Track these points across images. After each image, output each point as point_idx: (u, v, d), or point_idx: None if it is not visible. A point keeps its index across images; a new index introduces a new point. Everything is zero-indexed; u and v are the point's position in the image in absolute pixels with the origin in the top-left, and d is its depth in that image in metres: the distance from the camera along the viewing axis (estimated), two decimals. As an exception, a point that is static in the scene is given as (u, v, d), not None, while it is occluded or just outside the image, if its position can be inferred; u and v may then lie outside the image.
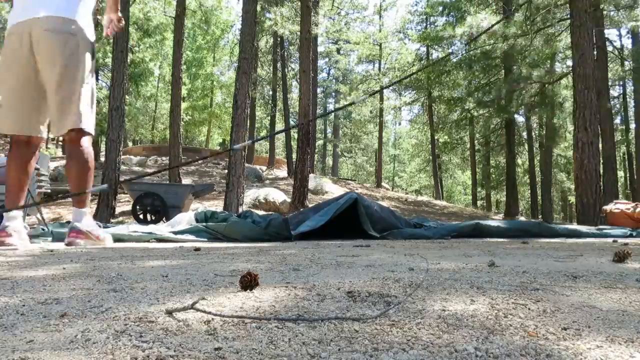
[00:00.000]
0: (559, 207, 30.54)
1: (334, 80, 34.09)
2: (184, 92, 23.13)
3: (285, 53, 23.26)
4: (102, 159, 13.16)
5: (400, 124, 44.01)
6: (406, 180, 41.86)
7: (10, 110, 2.70)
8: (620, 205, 6.17)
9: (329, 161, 38.55)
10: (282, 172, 20.77)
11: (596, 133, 8.60)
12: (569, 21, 9.98)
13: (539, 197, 19.97)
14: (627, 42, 22.33)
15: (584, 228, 4.60)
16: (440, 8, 21.67)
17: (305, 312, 0.95)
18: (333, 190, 15.27)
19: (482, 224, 4.14)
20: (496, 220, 5.88)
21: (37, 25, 2.62)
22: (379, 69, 27.13)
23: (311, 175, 14.59)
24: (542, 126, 19.74)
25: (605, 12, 13.51)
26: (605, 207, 6.53)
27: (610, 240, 3.63)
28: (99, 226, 3.08)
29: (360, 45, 26.76)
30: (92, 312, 0.95)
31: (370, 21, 30.02)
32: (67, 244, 2.83)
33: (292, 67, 24.48)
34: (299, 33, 12.92)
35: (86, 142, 2.83)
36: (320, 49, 28.08)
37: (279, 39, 22.32)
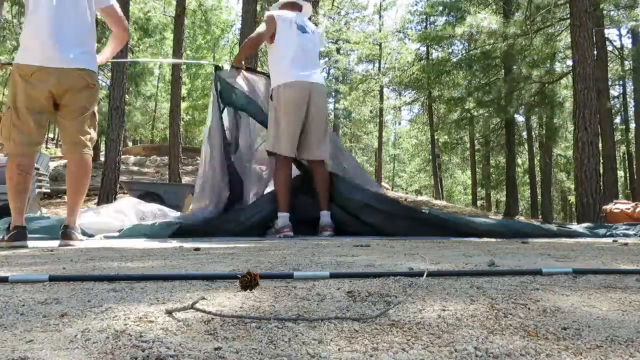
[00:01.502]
0: (559, 206, 30.54)
1: (333, 80, 34.07)
2: (183, 91, 23.12)
3: (285, 53, 23.21)
4: (102, 158, 13.17)
5: (400, 123, 43.95)
6: (406, 180, 41.85)
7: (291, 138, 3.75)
8: (620, 205, 6.17)
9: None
10: (282, 171, 20.74)
11: (596, 133, 8.59)
12: (569, 21, 9.98)
13: (539, 197, 19.97)
14: (627, 42, 22.33)
15: (574, 227, 4.59)
16: (440, 8, 21.65)
17: (305, 312, 0.95)
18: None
19: (475, 221, 3.98)
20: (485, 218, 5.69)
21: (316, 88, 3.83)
22: (379, 69, 27.11)
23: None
24: (542, 126, 19.74)
25: (605, 12, 13.50)
26: (605, 207, 6.54)
27: (610, 240, 3.63)
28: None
29: (360, 45, 26.73)
30: (92, 312, 0.95)
31: (370, 21, 30.01)
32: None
33: (292, 67, 24.40)
34: (298, 33, 12.89)
35: None
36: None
37: (279, 39, 22.29)
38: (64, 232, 2.89)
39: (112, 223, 3.76)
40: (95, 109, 3.01)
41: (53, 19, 2.70)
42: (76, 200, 2.96)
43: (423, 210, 3.90)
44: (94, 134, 3.00)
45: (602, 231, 4.20)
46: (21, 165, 2.74)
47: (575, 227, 4.47)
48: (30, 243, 3.06)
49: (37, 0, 2.72)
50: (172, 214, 4.27)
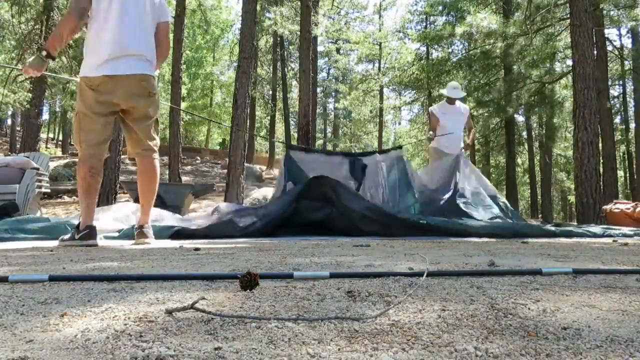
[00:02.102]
0: (559, 206, 30.53)
1: (333, 80, 34.07)
2: (183, 91, 23.10)
3: (285, 53, 23.25)
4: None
5: (400, 123, 43.95)
6: (406, 179, 41.81)
7: None
8: (620, 205, 6.17)
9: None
10: (282, 171, 20.77)
11: (596, 132, 8.58)
12: (568, 21, 9.97)
13: (539, 197, 19.97)
14: (627, 42, 22.32)
15: (570, 227, 4.59)
16: (440, 7, 21.65)
17: (305, 311, 0.95)
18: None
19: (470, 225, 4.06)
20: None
21: None
22: (379, 69, 27.12)
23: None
24: (542, 126, 19.75)
25: (605, 12, 13.50)
26: (605, 207, 6.54)
27: (610, 240, 3.63)
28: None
29: (360, 44, 26.74)
30: (92, 312, 0.95)
31: (370, 21, 30.01)
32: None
33: (292, 67, 24.45)
34: (298, 33, 12.91)
35: None
36: (320, 48, 28.05)
37: (278, 39, 22.31)
38: (140, 231, 3.03)
39: (109, 229, 3.74)
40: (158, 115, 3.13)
41: (121, 29, 2.84)
42: (148, 200, 3.12)
43: (421, 221, 3.93)
44: (158, 139, 3.15)
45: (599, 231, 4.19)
46: (93, 167, 2.88)
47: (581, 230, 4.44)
48: (30, 244, 3.07)
49: (106, 13, 2.84)
50: (171, 220, 4.23)
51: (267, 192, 11.59)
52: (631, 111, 20.46)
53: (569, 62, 14.26)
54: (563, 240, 3.58)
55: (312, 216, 4.02)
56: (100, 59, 2.83)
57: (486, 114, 16.48)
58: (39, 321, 0.88)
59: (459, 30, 13.35)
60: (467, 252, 2.28)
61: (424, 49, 22.83)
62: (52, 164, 14.20)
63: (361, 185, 4.75)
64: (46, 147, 29.12)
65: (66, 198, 12.42)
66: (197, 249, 2.47)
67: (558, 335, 0.79)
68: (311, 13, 11.42)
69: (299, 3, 12.98)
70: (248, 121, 10.29)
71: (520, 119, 19.36)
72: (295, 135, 13.28)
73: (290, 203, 3.99)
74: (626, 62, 18.19)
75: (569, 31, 10.10)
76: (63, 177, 14.76)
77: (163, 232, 3.61)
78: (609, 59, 16.34)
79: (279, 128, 28.84)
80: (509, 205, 5.22)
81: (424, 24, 25.84)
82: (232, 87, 10.38)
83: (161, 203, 7.85)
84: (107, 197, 9.02)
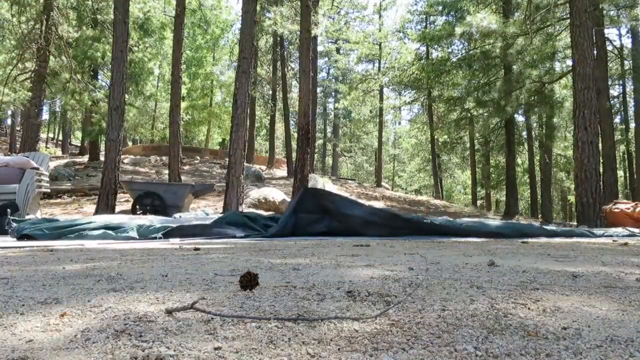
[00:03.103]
0: (558, 206, 30.52)
1: (333, 80, 34.07)
2: (183, 91, 23.09)
3: (285, 52, 23.23)
4: (102, 158, 13.17)
5: (400, 123, 43.93)
6: (406, 179, 41.82)
7: None
8: (620, 205, 6.17)
9: (329, 161, 38.55)
10: (282, 171, 20.78)
11: (596, 132, 8.58)
12: (568, 20, 9.97)
13: (539, 197, 19.98)
14: (627, 42, 22.33)
15: (554, 228, 4.60)
16: (440, 7, 21.65)
17: (305, 311, 0.95)
18: (332, 190, 15.24)
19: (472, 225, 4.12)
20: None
21: None
22: (379, 69, 27.13)
23: (311, 174, 14.58)
24: (542, 126, 19.75)
25: (605, 12, 13.49)
26: (605, 207, 6.54)
27: (609, 240, 3.63)
28: None
29: (360, 44, 26.74)
30: (92, 312, 0.95)
31: (369, 20, 29.98)
32: None
33: (292, 67, 24.43)
34: (298, 33, 12.90)
35: None
36: (320, 48, 28.06)
37: (278, 39, 22.31)
38: None
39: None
40: None
41: None
42: None
43: (425, 220, 3.95)
44: None
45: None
46: None
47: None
48: (33, 243, 3.06)
49: None
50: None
51: (266, 192, 11.58)
52: (631, 111, 20.46)
53: (569, 62, 14.26)
54: (563, 240, 3.58)
55: (313, 228, 3.99)
56: None
57: (486, 114, 16.49)
58: (39, 321, 0.88)
59: (458, 30, 13.34)
60: (467, 252, 2.28)
61: (423, 49, 22.84)
62: (52, 164, 14.21)
63: None
64: (46, 147, 29.11)
65: (66, 198, 12.41)
66: (197, 249, 2.47)
67: (558, 335, 0.79)
68: (311, 13, 11.41)
69: (299, 3, 12.98)
70: (248, 121, 10.28)
71: (520, 118, 19.37)
72: (295, 135, 13.27)
73: (287, 220, 3.93)
74: (626, 62, 18.20)
75: (569, 31, 10.10)
76: (63, 177, 14.75)
77: (156, 234, 3.62)
78: (608, 58, 16.33)
79: (279, 128, 28.82)
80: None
81: (424, 24, 25.87)
82: (232, 87, 10.36)
83: (161, 203, 7.86)
84: (107, 197, 9.00)
